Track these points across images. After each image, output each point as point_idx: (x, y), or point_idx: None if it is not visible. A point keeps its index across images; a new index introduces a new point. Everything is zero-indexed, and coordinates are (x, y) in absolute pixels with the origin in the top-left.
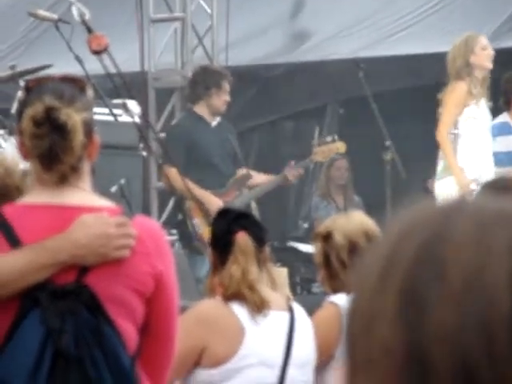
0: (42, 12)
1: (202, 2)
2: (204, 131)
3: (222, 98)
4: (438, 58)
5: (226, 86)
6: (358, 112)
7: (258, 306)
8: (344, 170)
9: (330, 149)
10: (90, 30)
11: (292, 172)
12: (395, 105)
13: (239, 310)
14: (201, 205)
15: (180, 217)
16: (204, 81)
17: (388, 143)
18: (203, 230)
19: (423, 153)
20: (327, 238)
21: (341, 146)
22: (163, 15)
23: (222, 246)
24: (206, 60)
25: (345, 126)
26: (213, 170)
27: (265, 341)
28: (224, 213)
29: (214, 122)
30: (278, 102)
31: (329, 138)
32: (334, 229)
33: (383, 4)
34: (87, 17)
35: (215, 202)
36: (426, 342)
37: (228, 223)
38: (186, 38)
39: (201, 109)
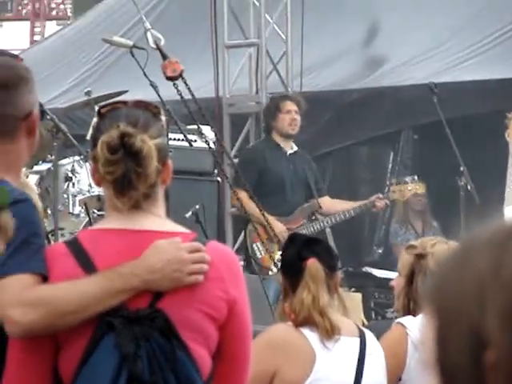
0: (116, 38)
1: (276, 28)
2: (277, 157)
3: (284, 119)
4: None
5: (287, 106)
6: (433, 137)
7: (329, 332)
8: (422, 195)
9: (409, 189)
10: (164, 56)
11: (380, 201)
12: (470, 130)
13: (310, 335)
14: (265, 229)
15: (242, 240)
16: (269, 109)
17: (462, 169)
18: (264, 254)
19: (497, 178)
20: (421, 257)
21: (420, 187)
22: (238, 41)
23: (292, 272)
24: (281, 86)
25: (419, 152)
26: (281, 197)
27: (336, 366)
28: (294, 239)
29: (290, 150)
30: (353, 127)
31: (408, 178)
32: (430, 252)
33: (456, 30)
34: (162, 43)
35: (279, 228)
36: None
37: (299, 249)
38: (260, 63)
39: (275, 136)
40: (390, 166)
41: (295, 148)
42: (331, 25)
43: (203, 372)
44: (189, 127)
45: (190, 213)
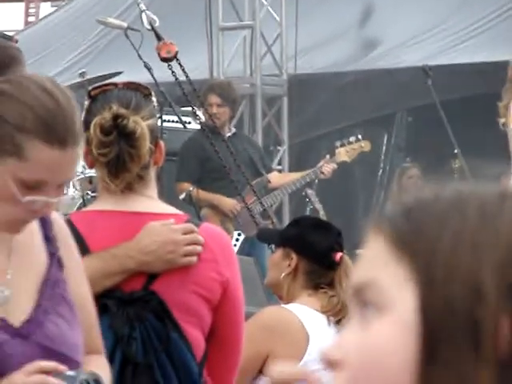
0: (111, 20)
1: (270, 10)
2: (216, 143)
3: (206, 112)
4: (506, 66)
5: (209, 99)
6: (427, 120)
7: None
8: (416, 178)
9: (354, 148)
10: (159, 38)
11: (327, 166)
12: (464, 112)
13: (304, 316)
14: (217, 210)
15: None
16: (200, 98)
17: (456, 151)
18: None
19: (491, 160)
20: None
21: (365, 145)
22: (232, 23)
23: (322, 262)
24: (275, 68)
25: (413, 134)
26: (227, 180)
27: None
28: (325, 227)
29: (229, 132)
30: (347, 109)
31: (352, 138)
32: None
33: (451, 13)
34: (157, 24)
35: (230, 203)
36: None
37: (333, 241)
38: (254, 45)
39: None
40: (384, 148)
41: (233, 130)
42: (325, 7)
43: (197, 353)
44: (183, 109)
45: (183, 194)
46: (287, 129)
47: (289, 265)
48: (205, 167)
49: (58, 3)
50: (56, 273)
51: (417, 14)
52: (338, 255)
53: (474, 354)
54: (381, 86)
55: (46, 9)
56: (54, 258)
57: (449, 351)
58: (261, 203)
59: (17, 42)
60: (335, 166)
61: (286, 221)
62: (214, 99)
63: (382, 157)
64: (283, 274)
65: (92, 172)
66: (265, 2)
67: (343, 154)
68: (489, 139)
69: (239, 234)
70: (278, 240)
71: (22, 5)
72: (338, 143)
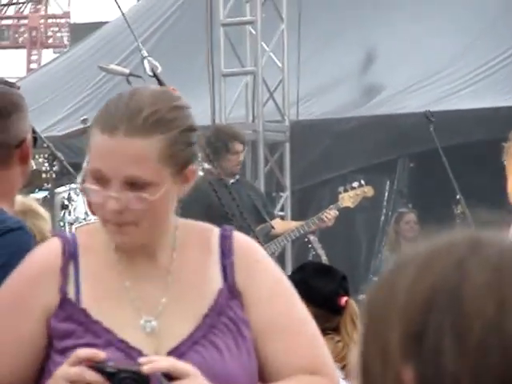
0: (113, 66)
1: (273, 56)
2: (220, 190)
3: (231, 160)
4: (509, 112)
5: (236, 147)
6: (429, 165)
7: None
8: (413, 223)
9: (357, 193)
10: (161, 84)
11: (329, 213)
12: (466, 158)
13: None
14: None
15: None
16: (216, 147)
17: (458, 197)
18: None
19: (493, 207)
20: None
21: (368, 190)
22: (234, 69)
23: (327, 307)
24: (277, 114)
25: (415, 180)
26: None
27: None
28: (329, 272)
29: (233, 179)
30: (349, 155)
31: (355, 184)
32: None
33: (452, 59)
34: (159, 70)
35: None
36: None
37: (337, 285)
38: (257, 91)
39: (217, 171)
40: (387, 194)
41: (237, 176)
42: (327, 53)
43: None
44: None
45: None
46: (289, 175)
47: None
48: (208, 214)
49: (60, 50)
50: (226, 301)
51: (419, 60)
52: (344, 299)
53: None
54: (383, 131)
55: (48, 55)
56: (227, 286)
57: None
58: (266, 249)
59: (19, 88)
60: (336, 212)
61: (289, 267)
62: (239, 147)
63: (384, 203)
64: None
65: (94, 218)
66: (267, 48)
67: (346, 199)
68: (491, 185)
69: None
70: None
71: (24, 52)
72: (341, 188)
